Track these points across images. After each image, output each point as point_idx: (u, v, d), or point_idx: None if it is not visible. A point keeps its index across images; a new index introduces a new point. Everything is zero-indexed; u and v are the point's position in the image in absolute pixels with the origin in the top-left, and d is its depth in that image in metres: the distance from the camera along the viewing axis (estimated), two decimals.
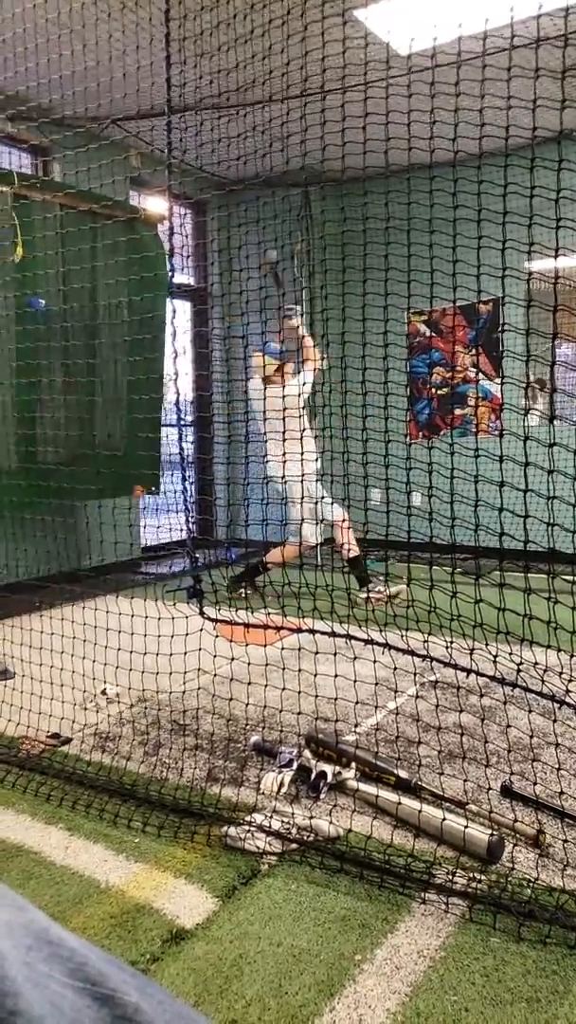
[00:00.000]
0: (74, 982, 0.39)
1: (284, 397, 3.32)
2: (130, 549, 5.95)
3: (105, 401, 5.12)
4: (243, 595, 5.04)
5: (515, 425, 2.06)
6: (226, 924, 1.94)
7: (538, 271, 1.97)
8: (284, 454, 2.96)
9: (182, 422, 2.78)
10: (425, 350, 7.18)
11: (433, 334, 7.09)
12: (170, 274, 2.79)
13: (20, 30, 3.53)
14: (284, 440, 2.94)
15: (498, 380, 6.62)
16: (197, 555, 2.77)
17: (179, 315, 2.77)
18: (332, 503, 5.10)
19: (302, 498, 4.09)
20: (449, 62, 2.21)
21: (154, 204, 5.77)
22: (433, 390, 7.20)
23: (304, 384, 4.95)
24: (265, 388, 4.77)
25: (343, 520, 5.16)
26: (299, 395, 4.75)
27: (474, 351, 6.91)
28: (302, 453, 3.32)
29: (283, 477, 4.08)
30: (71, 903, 2.04)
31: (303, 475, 3.86)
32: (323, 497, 5.07)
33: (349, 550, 5.14)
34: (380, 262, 2.29)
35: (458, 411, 7.04)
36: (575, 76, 2.37)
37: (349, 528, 5.15)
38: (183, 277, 6.96)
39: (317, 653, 2.64)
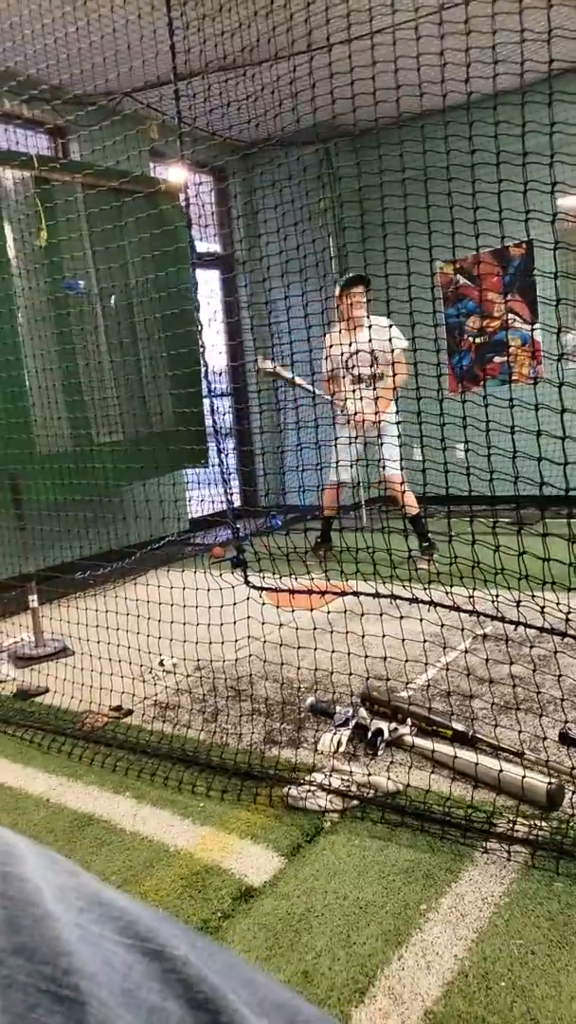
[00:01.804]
0: (125, 939, 0.41)
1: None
2: (177, 523, 6.01)
3: (150, 379, 5.15)
4: (323, 557, 5.13)
5: (557, 371, 2.03)
6: (292, 881, 1.99)
7: (564, 210, 1.90)
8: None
9: (215, 393, 2.79)
10: (459, 299, 7.04)
11: (467, 282, 6.94)
12: (190, 244, 2.78)
13: (25, 12, 3.51)
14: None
15: (536, 324, 6.47)
16: (239, 525, 2.80)
17: (208, 285, 2.77)
18: (387, 467, 5.02)
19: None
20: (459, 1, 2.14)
21: (175, 174, 5.72)
22: (470, 340, 7.07)
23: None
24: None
25: (399, 483, 5.10)
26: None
27: (509, 296, 6.74)
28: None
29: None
30: (143, 867, 2.11)
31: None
32: (383, 459, 5.00)
33: (406, 509, 5.13)
34: (405, 213, 2.25)
35: (497, 359, 6.90)
36: None
37: (404, 491, 5.12)
38: (208, 245, 6.91)
39: (363, 615, 2.66)
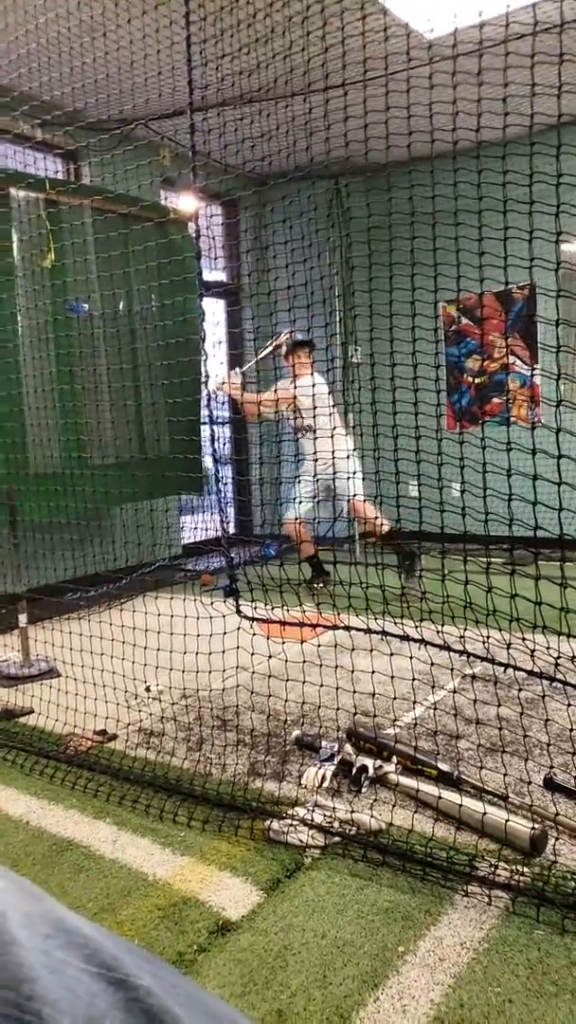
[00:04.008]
0: (89, 967, 0.41)
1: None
2: (169, 549, 6.02)
3: (147, 405, 5.18)
4: (317, 590, 5.18)
5: (555, 417, 2.06)
6: (271, 916, 1.97)
7: (567, 258, 1.94)
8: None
9: (216, 421, 2.81)
10: (461, 339, 7.12)
11: (469, 322, 7.02)
12: (198, 274, 2.81)
13: (43, 40, 3.57)
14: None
15: (536, 368, 6.54)
16: (233, 554, 2.80)
17: (213, 315, 2.81)
18: (352, 494, 5.13)
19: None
20: (471, 50, 2.20)
21: (185, 203, 5.81)
22: (470, 379, 7.14)
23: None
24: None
25: (359, 499, 5.21)
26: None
27: (510, 338, 6.83)
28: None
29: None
30: (120, 895, 2.08)
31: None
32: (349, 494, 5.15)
33: (379, 526, 5.18)
34: (413, 254, 2.28)
35: (496, 400, 6.97)
36: None
37: (366, 505, 5.21)
38: (216, 274, 6.99)
39: (353, 649, 2.66)
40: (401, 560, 5.12)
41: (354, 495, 5.09)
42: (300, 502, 5.46)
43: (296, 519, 5.49)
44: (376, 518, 5.19)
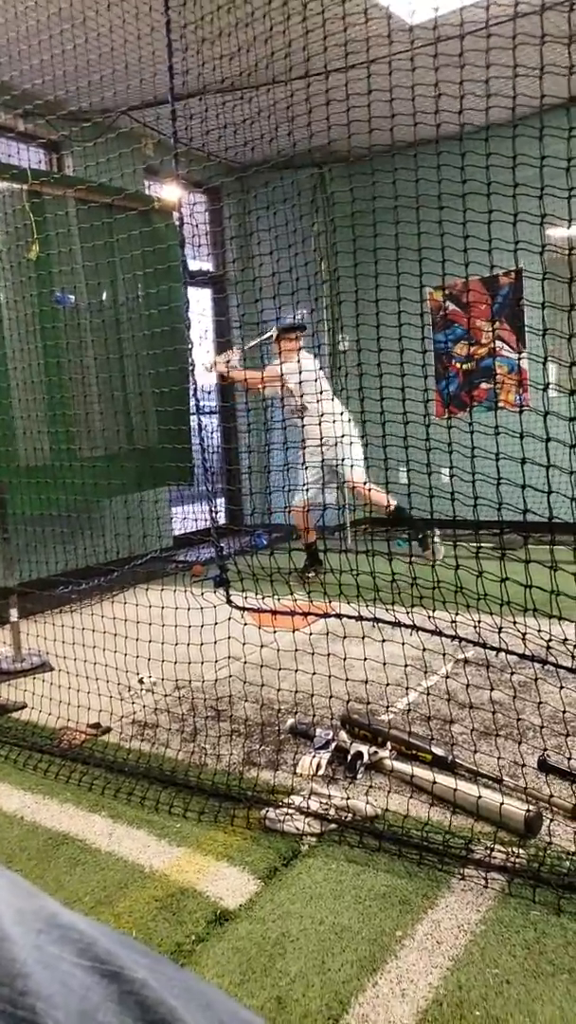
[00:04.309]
0: (83, 961, 0.41)
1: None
2: (160, 540, 6.01)
3: (135, 395, 5.15)
4: (309, 579, 5.19)
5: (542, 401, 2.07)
6: (268, 904, 1.97)
7: (552, 242, 1.93)
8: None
9: (203, 411, 2.80)
10: (448, 325, 7.10)
11: (456, 308, 7.01)
12: (182, 263, 2.80)
13: (23, 28, 3.53)
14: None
15: (522, 353, 6.54)
16: (223, 544, 2.79)
17: (199, 303, 2.80)
18: (348, 472, 5.14)
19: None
20: (454, 34, 2.18)
21: (169, 192, 5.77)
22: (458, 365, 7.13)
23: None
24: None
25: (362, 485, 5.22)
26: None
27: (497, 324, 6.82)
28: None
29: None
30: (117, 888, 2.09)
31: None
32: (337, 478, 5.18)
33: (386, 506, 5.20)
34: (397, 239, 2.27)
35: (484, 385, 6.96)
36: None
37: (370, 490, 5.23)
38: (201, 263, 6.95)
39: (345, 637, 2.66)
40: (414, 534, 5.14)
41: (346, 481, 5.09)
42: (289, 490, 5.46)
43: (286, 508, 5.50)
44: (373, 505, 5.21)
